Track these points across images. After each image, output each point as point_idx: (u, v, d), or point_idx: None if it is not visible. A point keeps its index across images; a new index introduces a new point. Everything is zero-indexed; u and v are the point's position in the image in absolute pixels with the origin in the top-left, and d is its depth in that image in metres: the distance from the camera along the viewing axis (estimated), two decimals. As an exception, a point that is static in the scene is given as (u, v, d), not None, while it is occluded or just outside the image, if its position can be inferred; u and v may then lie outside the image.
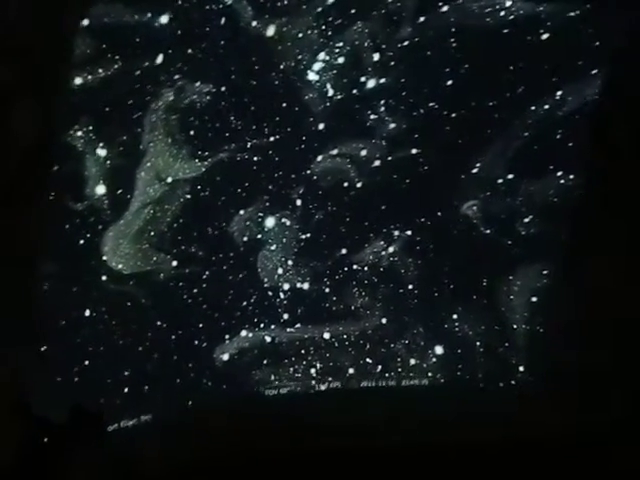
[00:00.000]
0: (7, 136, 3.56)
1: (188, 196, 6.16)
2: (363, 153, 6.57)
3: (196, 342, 5.44)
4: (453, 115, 6.24)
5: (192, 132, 6.36)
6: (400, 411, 4.71)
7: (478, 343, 5.69)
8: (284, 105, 6.54)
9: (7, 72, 3.57)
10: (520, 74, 5.78)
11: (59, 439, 2.79)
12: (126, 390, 4.93)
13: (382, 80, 6.51)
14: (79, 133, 5.95)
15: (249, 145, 6.39)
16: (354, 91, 6.57)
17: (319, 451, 4.18)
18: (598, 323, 4.31)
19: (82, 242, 5.46)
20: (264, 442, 4.27)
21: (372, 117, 6.62)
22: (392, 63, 6.42)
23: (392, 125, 6.50)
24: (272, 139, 6.43)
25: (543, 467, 3.94)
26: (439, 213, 6.33)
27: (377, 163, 6.48)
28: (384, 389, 5.52)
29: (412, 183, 6.36)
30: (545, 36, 5.77)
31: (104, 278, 5.38)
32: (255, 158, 6.41)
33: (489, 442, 4.13)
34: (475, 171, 6.33)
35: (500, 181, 6.23)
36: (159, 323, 5.32)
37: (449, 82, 6.14)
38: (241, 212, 6.21)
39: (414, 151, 6.41)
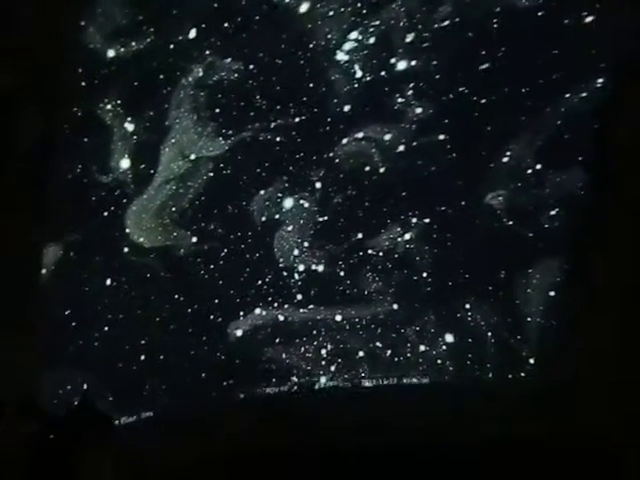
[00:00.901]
0: (9, 137, 3.69)
1: (210, 174, 6.31)
2: (388, 137, 6.59)
3: (211, 317, 5.65)
4: (483, 101, 6.20)
5: (217, 110, 6.48)
6: (401, 410, 4.84)
7: (489, 334, 5.75)
8: (310, 85, 6.59)
9: (8, 75, 3.69)
10: (559, 59, 5.66)
11: (67, 436, 2.77)
12: (142, 357, 5.19)
13: (413, 62, 6.49)
14: (108, 107, 6.11)
15: (273, 125, 6.48)
16: (383, 73, 6.57)
17: (319, 449, 4.32)
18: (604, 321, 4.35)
19: (106, 214, 5.67)
20: (264, 440, 4.42)
21: (400, 100, 6.61)
22: (426, 44, 6.37)
23: (419, 109, 6.50)
24: (296, 120, 6.50)
25: (545, 465, 4.05)
26: (462, 202, 6.32)
27: (402, 148, 6.50)
28: (384, 388, 5.61)
29: (436, 170, 6.37)
30: (589, 19, 5.62)
31: (126, 250, 5.61)
32: (278, 138, 6.49)
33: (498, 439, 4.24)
34: (505, 160, 6.29)
35: (529, 171, 6.19)
36: (176, 296, 5.54)
37: (484, 66, 6.06)
38: (261, 192, 6.33)
39: (441, 137, 6.40)
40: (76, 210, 5.49)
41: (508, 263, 5.98)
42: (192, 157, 6.30)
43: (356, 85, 6.63)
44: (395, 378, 5.63)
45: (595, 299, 4.68)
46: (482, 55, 6.10)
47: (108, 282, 5.33)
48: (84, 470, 2.77)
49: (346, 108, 6.64)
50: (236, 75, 6.43)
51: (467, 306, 5.97)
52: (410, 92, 6.55)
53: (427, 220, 6.41)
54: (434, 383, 5.54)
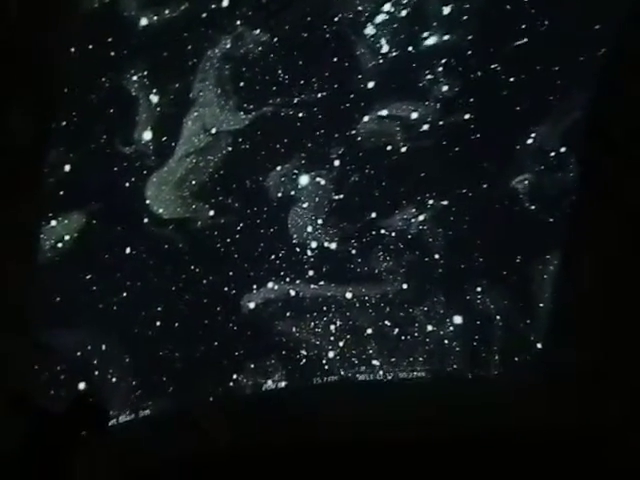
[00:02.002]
0: (6, 133, 3.69)
1: (230, 148, 6.44)
2: (413, 116, 6.62)
3: (225, 289, 5.89)
4: (512, 79, 6.17)
5: (241, 84, 6.58)
6: (400, 405, 4.92)
7: (498, 317, 5.86)
8: (334, 60, 6.63)
9: (6, 72, 3.69)
10: (601, 37, 5.47)
11: (63, 429, 2.79)
12: (158, 324, 5.51)
13: (446, 37, 6.48)
14: (135, 77, 6.22)
15: (295, 101, 6.56)
16: (411, 48, 6.58)
17: (318, 445, 4.40)
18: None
19: (127, 185, 5.87)
20: (264, 436, 4.53)
21: (427, 77, 6.62)
22: (464, 17, 6.33)
23: (446, 87, 6.51)
24: (318, 95, 6.56)
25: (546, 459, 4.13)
26: (485, 185, 6.36)
27: (426, 127, 6.54)
28: (384, 383, 5.79)
29: (461, 151, 6.40)
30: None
31: (145, 220, 5.85)
32: (299, 114, 6.58)
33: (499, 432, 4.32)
34: (529, 142, 6.29)
35: (553, 154, 6.20)
36: (192, 267, 5.78)
37: (519, 42, 6.03)
38: (278, 168, 6.46)
39: (467, 116, 6.41)
40: (99, 180, 5.70)
41: (526, 248, 6.03)
42: (213, 131, 6.43)
43: (382, 61, 6.67)
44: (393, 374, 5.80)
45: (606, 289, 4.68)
46: (518, 30, 6.05)
47: (128, 250, 5.56)
48: (78, 465, 2.83)
49: (370, 84, 6.69)
50: (260, 48, 6.49)
51: (478, 289, 6.06)
52: (439, 69, 6.55)
53: (445, 202, 6.47)
54: (432, 378, 5.70)
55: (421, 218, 6.37)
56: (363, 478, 4.19)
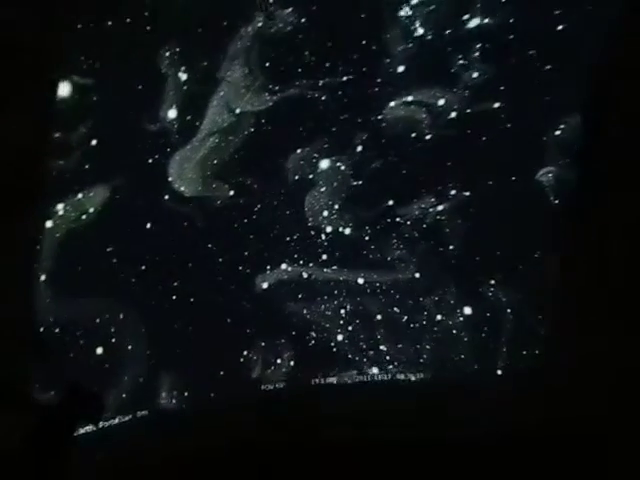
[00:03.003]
0: (5, 135, 3.80)
1: (252, 129, 6.57)
2: (441, 102, 6.61)
3: (240, 267, 6.13)
4: (548, 67, 6.08)
5: (268, 64, 6.64)
6: (400, 405, 5.12)
7: (509, 310, 5.95)
8: (363, 42, 6.61)
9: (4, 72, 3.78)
10: None
11: (58, 421, 2.86)
12: (174, 298, 5.81)
13: (487, 20, 6.36)
14: (167, 53, 6.29)
15: (320, 83, 6.61)
16: (448, 31, 6.48)
17: (318, 443, 4.56)
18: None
19: (151, 161, 6.09)
20: (263, 435, 4.70)
21: (460, 62, 6.56)
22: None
23: (478, 73, 6.45)
24: (344, 79, 6.58)
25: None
26: (509, 177, 6.36)
27: (453, 115, 6.53)
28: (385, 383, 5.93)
29: (488, 141, 6.38)
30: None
31: (167, 197, 6.08)
32: (323, 97, 6.64)
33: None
34: (557, 134, 6.24)
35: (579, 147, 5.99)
36: (209, 245, 6.03)
37: (562, 26, 5.91)
38: (298, 150, 6.59)
39: (496, 105, 6.38)
40: (124, 155, 5.96)
41: (548, 243, 6.00)
42: (237, 111, 6.55)
43: (413, 44, 6.59)
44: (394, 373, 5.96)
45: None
46: (563, 14, 5.90)
47: (148, 225, 5.82)
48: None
49: (400, 69, 6.65)
50: (289, 28, 6.49)
51: (492, 282, 6.15)
52: (476, 53, 6.48)
53: (467, 193, 6.51)
54: (432, 378, 5.84)
55: (440, 208, 6.42)
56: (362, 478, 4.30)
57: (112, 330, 5.42)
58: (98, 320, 5.36)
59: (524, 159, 6.18)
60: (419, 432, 4.64)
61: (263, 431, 4.80)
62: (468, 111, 6.45)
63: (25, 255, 4.24)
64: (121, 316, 5.47)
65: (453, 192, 6.50)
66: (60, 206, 5.49)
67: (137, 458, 4.45)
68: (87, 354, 5.25)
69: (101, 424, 4.81)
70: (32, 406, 3.22)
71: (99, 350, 5.30)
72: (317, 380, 5.93)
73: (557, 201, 6.16)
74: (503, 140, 6.29)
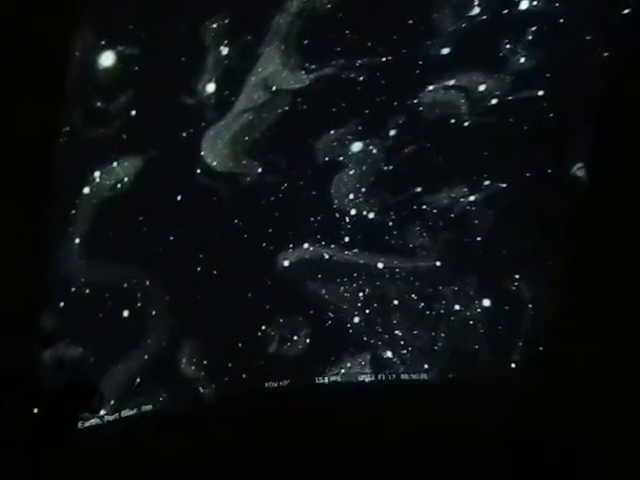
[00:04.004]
0: (11, 130, 3.86)
1: (286, 107, 6.66)
2: (481, 88, 6.56)
3: (264, 244, 6.38)
4: (605, 54, 5.78)
5: (306, 41, 6.62)
6: (404, 406, 5.24)
7: (530, 305, 6.01)
8: (409, 22, 6.54)
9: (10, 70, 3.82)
10: None
11: (58, 412, 2.98)
12: (198, 269, 6.10)
13: (538, 2, 6.23)
14: (213, 25, 6.32)
15: (358, 63, 6.60)
16: (505, 11, 6.32)
17: (318, 443, 4.66)
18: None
19: (185, 135, 6.29)
20: (265, 434, 4.84)
21: (508, 47, 6.46)
22: None
23: (524, 59, 6.36)
24: (383, 60, 6.55)
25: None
26: (549, 170, 6.32)
27: (494, 101, 6.48)
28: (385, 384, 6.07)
29: (528, 130, 6.32)
30: None
31: (198, 171, 6.32)
32: (360, 78, 6.64)
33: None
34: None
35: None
36: (236, 221, 6.28)
37: (623, 10, 5.57)
38: (331, 132, 6.69)
39: (540, 93, 6.31)
40: (160, 127, 6.20)
41: (580, 240, 6.04)
42: (273, 89, 6.61)
43: (464, 24, 6.45)
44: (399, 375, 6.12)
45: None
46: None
47: (179, 198, 6.09)
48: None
49: (444, 51, 6.57)
50: (330, 5, 6.42)
51: (516, 276, 6.22)
52: (529, 37, 6.36)
53: (503, 185, 6.51)
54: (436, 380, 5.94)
55: (472, 198, 6.45)
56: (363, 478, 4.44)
57: (138, 295, 5.78)
58: (125, 285, 5.72)
59: (562, 151, 6.10)
60: (421, 432, 4.78)
61: (264, 430, 4.98)
62: (509, 98, 6.37)
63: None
64: (147, 283, 5.82)
65: (487, 182, 6.49)
66: (97, 174, 5.79)
67: (140, 453, 4.66)
68: (114, 316, 5.60)
69: (105, 418, 5.10)
70: (34, 395, 3.30)
71: (125, 313, 5.68)
72: (318, 378, 6.14)
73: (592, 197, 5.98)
74: (542, 130, 6.23)
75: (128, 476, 4.34)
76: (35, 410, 3.09)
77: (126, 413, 5.36)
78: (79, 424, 4.13)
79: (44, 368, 3.98)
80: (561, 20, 6.10)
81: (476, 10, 6.32)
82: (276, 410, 5.43)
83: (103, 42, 5.60)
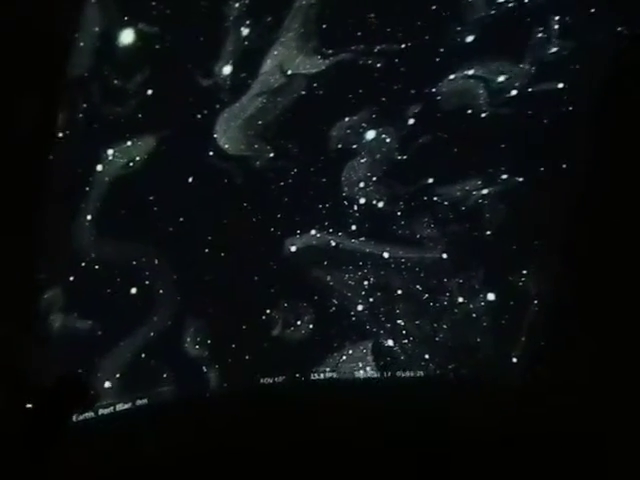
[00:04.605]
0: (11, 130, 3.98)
1: (302, 92, 6.69)
2: (501, 79, 6.53)
3: (272, 229, 6.50)
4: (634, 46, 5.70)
5: (325, 25, 6.58)
6: (402, 404, 5.31)
7: (536, 301, 6.04)
8: (433, 7, 6.48)
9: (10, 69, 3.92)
10: None
11: (51, 407, 2.84)
12: (206, 250, 6.24)
13: None
14: (236, 4, 6.31)
15: (376, 49, 6.58)
16: None
17: (316, 444, 4.73)
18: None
19: (199, 117, 6.38)
20: (261, 435, 4.88)
21: (538, 35, 6.38)
22: None
23: (553, 49, 6.30)
24: (402, 46, 6.51)
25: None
26: (564, 165, 6.27)
27: (513, 93, 6.45)
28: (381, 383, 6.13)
29: (548, 123, 6.31)
30: None
31: (210, 153, 6.40)
32: (378, 64, 6.63)
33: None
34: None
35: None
36: (245, 204, 6.40)
37: None
38: (346, 119, 6.71)
39: (560, 85, 6.29)
40: (174, 107, 6.23)
41: (594, 237, 5.92)
42: (289, 72, 6.62)
43: (494, 11, 6.37)
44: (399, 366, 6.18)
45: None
46: None
47: (190, 179, 6.20)
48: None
49: (469, 39, 6.52)
50: None
51: (524, 272, 6.25)
52: (555, 26, 6.29)
53: (520, 179, 6.50)
54: (435, 377, 6.01)
55: (485, 192, 6.45)
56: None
57: (146, 274, 5.96)
58: (134, 262, 5.90)
59: (580, 147, 6.05)
60: (420, 429, 4.89)
61: (261, 426, 5.08)
62: (529, 90, 6.34)
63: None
64: (156, 262, 5.97)
65: (504, 176, 6.50)
66: (110, 151, 5.90)
67: (135, 449, 4.74)
68: (122, 292, 5.79)
69: (100, 411, 5.19)
70: (28, 389, 3.31)
71: (133, 290, 5.87)
72: (317, 374, 6.23)
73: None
74: (562, 124, 6.20)
75: (123, 471, 4.42)
76: (28, 405, 3.04)
77: (121, 407, 5.45)
78: (74, 418, 4.03)
79: (37, 361, 4.06)
80: (592, 10, 5.99)
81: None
82: (274, 406, 5.56)
83: (126, 18, 5.64)
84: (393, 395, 5.88)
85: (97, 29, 5.43)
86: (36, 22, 4.19)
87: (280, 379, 6.13)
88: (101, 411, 5.27)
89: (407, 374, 6.29)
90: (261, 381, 6.09)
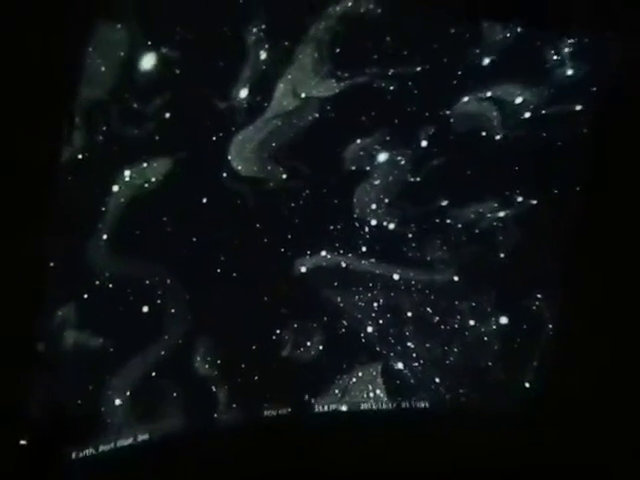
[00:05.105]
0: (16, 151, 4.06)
1: (316, 115, 6.83)
2: (518, 100, 6.59)
3: (282, 249, 6.61)
4: None
5: (338, 49, 6.67)
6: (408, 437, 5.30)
7: (550, 325, 5.99)
8: (451, 31, 6.54)
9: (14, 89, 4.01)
10: None
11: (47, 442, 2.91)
12: (218, 271, 6.38)
13: None
14: (254, 29, 6.40)
15: (390, 72, 6.68)
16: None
17: (321, 471, 4.85)
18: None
19: (214, 139, 6.57)
20: (264, 464, 4.94)
21: (554, 58, 6.42)
22: None
23: (568, 71, 6.34)
24: (417, 69, 6.61)
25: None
26: (578, 188, 6.34)
27: (527, 115, 6.53)
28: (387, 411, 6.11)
29: (563, 146, 6.40)
30: None
31: (224, 175, 6.57)
32: (391, 87, 6.74)
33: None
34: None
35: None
36: (257, 225, 6.53)
37: None
38: (358, 141, 6.83)
39: (578, 108, 6.33)
40: (191, 129, 6.39)
41: (608, 261, 5.97)
42: (302, 95, 6.74)
43: (509, 34, 6.40)
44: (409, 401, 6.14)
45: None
46: None
47: (204, 200, 6.36)
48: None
49: (486, 61, 6.57)
50: (373, 6, 6.34)
51: (538, 295, 6.22)
52: (570, 48, 6.33)
53: (534, 201, 6.54)
54: (441, 410, 5.97)
55: (501, 214, 6.49)
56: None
57: (159, 293, 6.10)
58: (147, 282, 6.04)
59: (595, 170, 6.13)
60: (424, 460, 4.96)
61: (264, 457, 5.15)
62: (543, 112, 6.41)
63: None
64: (168, 281, 6.09)
65: (520, 199, 6.56)
66: (127, 172, 6.08)
67: None
68: (134, 310, 5.94)
69: (100, 448, 4.97)
70: (22, 424, 3.21)
71: (145, 308, 6.00)
72: (321, 407, 6.23)
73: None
74: (578, 147, 6.24)
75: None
76: (23, 441, 2.98)
77: (122, 443, 5.32)
78: (72, 455, 4.05)
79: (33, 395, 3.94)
80: (606, 32, 5.99)
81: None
82: (276, 439, 5.58)
83: (149, 43, 5.79)
84: (400, 423, 5.90)
85: (122, 54, 5.57)
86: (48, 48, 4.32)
87: (285, 411, 6.10)
88: (101, 447, 5.10)
89: (416, 398, 6.15)
90: (266, 412, 6.06)
